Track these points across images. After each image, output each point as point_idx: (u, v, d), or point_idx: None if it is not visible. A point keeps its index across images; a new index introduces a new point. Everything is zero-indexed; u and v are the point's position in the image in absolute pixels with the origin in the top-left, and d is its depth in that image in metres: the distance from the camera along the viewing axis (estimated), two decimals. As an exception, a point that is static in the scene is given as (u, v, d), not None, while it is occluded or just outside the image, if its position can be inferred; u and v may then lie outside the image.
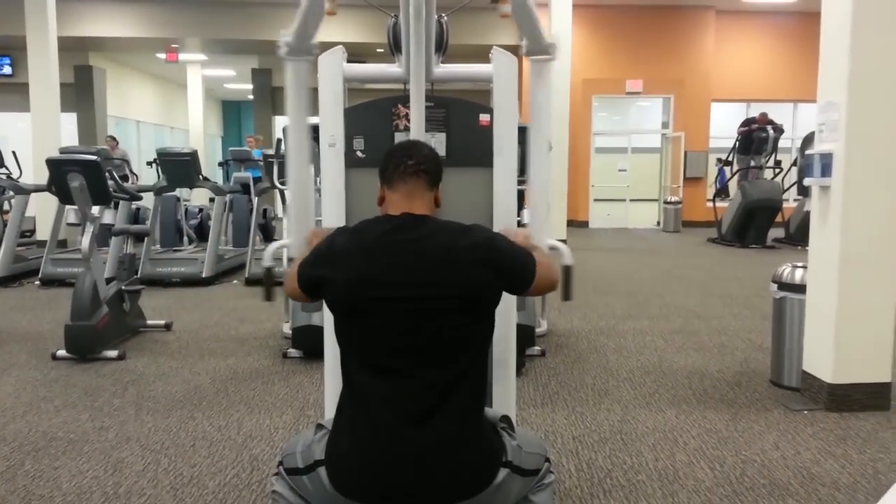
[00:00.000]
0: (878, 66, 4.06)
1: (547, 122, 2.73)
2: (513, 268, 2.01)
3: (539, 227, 2.71)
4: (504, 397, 2.83)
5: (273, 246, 2.78)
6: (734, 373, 4.99)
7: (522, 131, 3.12)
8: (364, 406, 1.94)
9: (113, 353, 5.29)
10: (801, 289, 4.50)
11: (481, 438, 1.97)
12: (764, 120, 13.04)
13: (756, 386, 4.69)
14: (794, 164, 12.57)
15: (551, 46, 2.62)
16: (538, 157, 2.80)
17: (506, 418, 2.17)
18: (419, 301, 1.91)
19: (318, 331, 2.75)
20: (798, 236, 12.14)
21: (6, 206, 9.75)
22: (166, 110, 23.76)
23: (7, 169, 9.85)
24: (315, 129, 2.88)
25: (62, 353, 5.26)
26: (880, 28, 4.04)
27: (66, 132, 13.99)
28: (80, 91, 17.36)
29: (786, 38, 16.60)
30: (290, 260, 2.54)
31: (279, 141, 6.50)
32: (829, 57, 4.23)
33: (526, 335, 4.98)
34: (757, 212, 12.39)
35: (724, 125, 16.30)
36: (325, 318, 2.54)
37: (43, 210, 10.98)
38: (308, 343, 5.16)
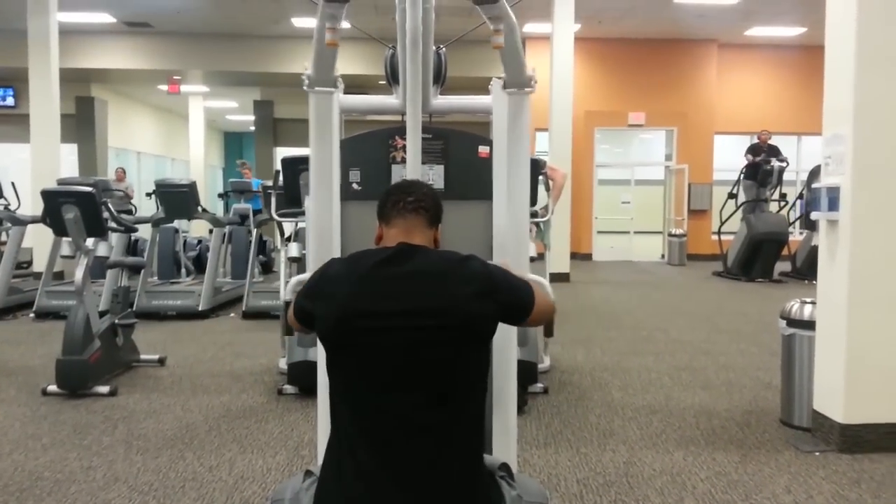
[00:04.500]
0: (883, 97, 4.01)
1: (526, 155, 2.71)
2: (510, 298, 1.94)
3: (518, 261, 2.62)
4: (505, 437, 2.74)
5: (294, 280, 2.75)
6: (743, 412, 4.85)
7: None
8: (352, 453, 1.83)
9: (105, 389, 5.17)
10: (810, 325, 4.39)
11: (478, 491, 1.86)
12: (765, 140, 12.98)
13: (766, 426, 4.56)
14: (800, 196, 12.46)
15: (532, 79, 2.61)
16: (517, 191, 2.74)
17: (505, 466, 2.06)
18: (412, 332, 1.81)
19: (315, 367, 2.64)
20: (805, 270, 12.01)
21: (3, 237, 9.67)
22: (167, 141, 23.80)
23: (5, 200, 9.79)
24: (306, 161, 2.85)
25: (53, 388, 5.14)
26: (885, 59, 4.01)
27: (67, 163, 13.96)
28: (81, 122, 17.35)
29: (789, 71, 16.64)
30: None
31: (277, 173, 6.43)
32: (834, 89, 4.18)
33: (528, 371, 4.85)
34: (763, 245, 12.25)
35: (728, 158, 16.23)
36: (319, 354, 2.44)
37: (40, 241, 10.88)
38: (304, 379, 5.02)
